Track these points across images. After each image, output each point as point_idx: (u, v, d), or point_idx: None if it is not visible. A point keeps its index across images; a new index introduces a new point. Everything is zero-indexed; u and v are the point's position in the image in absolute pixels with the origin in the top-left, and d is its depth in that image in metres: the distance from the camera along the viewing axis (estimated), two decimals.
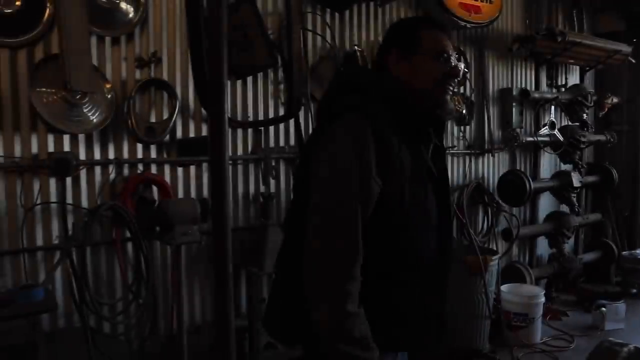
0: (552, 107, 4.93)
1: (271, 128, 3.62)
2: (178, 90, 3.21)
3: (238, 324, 3.16)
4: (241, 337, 3.21)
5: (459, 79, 1.60)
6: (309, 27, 3.69)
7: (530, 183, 4.61)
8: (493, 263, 4.03)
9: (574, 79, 5.50)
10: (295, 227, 1.49)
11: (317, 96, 3.61)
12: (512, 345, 4.13)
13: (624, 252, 5.43)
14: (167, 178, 3.22)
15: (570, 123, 5.21)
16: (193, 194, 3.31)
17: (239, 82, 3.47)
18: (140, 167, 3.13)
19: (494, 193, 4.82)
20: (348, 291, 1.37)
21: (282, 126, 3.65)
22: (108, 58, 3.02)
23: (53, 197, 2.87)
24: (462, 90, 4.50)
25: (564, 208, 5.32)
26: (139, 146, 3.13)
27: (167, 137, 3.19)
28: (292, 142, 3.68)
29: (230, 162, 3.36)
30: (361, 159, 1.40)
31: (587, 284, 5.43)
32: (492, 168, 4.89)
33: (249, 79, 3.51)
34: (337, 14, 3.85)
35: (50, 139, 2.87)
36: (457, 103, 4.30)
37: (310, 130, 3.66)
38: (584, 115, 5.13)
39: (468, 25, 4.42)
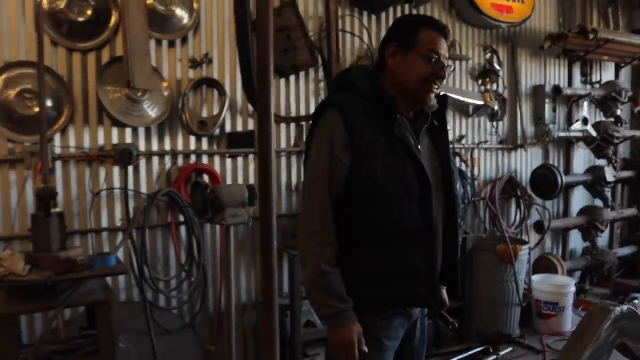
0: (585, 104, 5.02)
1: None
2: (227, 88, 3.51)
3: (281, 303, 3.45)
4: (283, 314, 3.49)
5: (445, 79, 1.84)
6: (348, 29, 3.94)
7: (562, 177, 4.73)
8: (523, 253, 4.19)
9: (608, 75, 5.54)
10: None
11: None
12: (542, 332, 4.28)
13: None
14: (217, 168, 3.53)
15: (604, 119, 5.28)
16: (240, 182, 3.60)
17: (282, 81, 3.75)
18: (193, 157, 3.44)
19: (527, 187, 4.95)
20: (322, 254, 1.72)
21: None
22: (165, 59, 3.35)
23: (117, 184, 3.21)
24: (494, 88, 4.66)
25: (599, 203, 5.39)
26: (192, 139, 3.45)
27: (217, 130, 3.50)
28: None
29: (275, 154, 3.64)
30: (332, 143, 1.75)
31: (623, 279, 5.49)
32: (525, 163, 5.02)
33: (292, 78, 3.78)
34: (374, 16, 4.08)
35: (115, 132, 3.22)
36: (489, 100, 4.47)
37: None
38: (618, 111, 5.18)
39: (502, 25, 4.59)
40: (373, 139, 1.75)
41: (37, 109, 2.85)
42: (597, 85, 5.35)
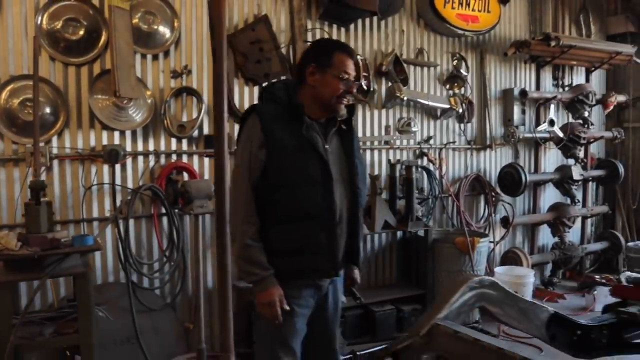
0: (552, 106, 5.32)
1: None
2: (205, 96, 3.97)
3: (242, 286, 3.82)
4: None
5: (354, 93, 2.28)
6: None
7: (525, 175, 5.05)
8: (481, 245, 4.54)
9: (580, 79, 5.82)
10: None
11: None
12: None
13: (629, 243, 5.72)
14: (196, 166, 3.99)
15: (572, 120, 5.56)
16: None
17: (256, 88, 4.18)
18: (174, 156, 3.91)
19: (495, 185, 5.29)
20: (245, 231, 2.18)
21: None
22: (149, 71, 3.83)
23: (106, 179, 3.69)
24: (463, 92, 5.02)
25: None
26: (173, 140, 3.91)
27: (196, 132, 3.96)
28: None
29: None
30: (251, 143, 2.19)
31: (594, 273, 5.77)
32: (493, 162, 5.37)
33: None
34: (343, 29, 4.49)
35: (104, 134, 3.70)
36: (454, 103, 4.83)
37: None
38: (586, 113, 5.46)
39: (468, 34, 4.94)
40: (284, 138, 2.20)
41: None
42: (567, 89, 5.64)
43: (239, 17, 4.11)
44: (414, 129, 4.75)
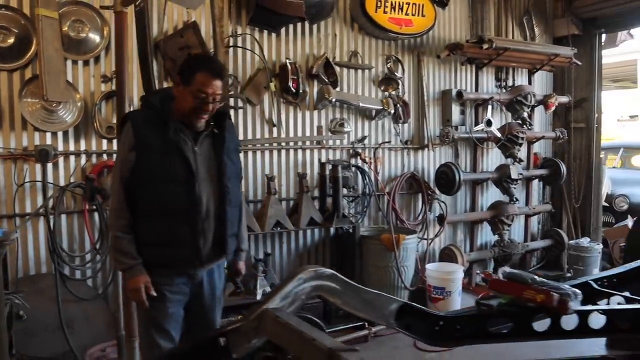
0: (490, 107, 5.46)
1: None
2: (135, 99, 4.21)
3: None
4: None
5: (208, 112, 2.47)
6: (248, 46, 4.59)
7: (459, 174, 5.21)
8: (408, 241, 4.73)
9: (523, 80, 5.94)
10: None
11: (253, 100, 4.53)
12: None
13: (570, 241, 5.83)
14: None
15: (512, 121, 5.69)
16: None
17: None
18: (105, 156, 4.17)
19: (433, 184, 5.45)
20: (117, 224, 2.44)
21: None
22: (80, 75, 4.08)
23: (38, 177, 3.96)
24: (399, 93, 5.20)
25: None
26: (104, 141, 4.17)
27: None
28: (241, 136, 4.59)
29: None
30: (124, 146, 2.46)
31: (538, 270, 5.91)
32: (432, 161, 5.53)
33: None
34: (274, 34, 4.70)
35: (36, 135, 3.96)
36: (386, 104, 5.01)
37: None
38: (525, 113, 5.59)
39: (401, 37, 5.11)
40: (152, 140, 2.44)
41: None
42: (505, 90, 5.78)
43: (169, 23, 4.34)
44: (346, 129, 4.94)
